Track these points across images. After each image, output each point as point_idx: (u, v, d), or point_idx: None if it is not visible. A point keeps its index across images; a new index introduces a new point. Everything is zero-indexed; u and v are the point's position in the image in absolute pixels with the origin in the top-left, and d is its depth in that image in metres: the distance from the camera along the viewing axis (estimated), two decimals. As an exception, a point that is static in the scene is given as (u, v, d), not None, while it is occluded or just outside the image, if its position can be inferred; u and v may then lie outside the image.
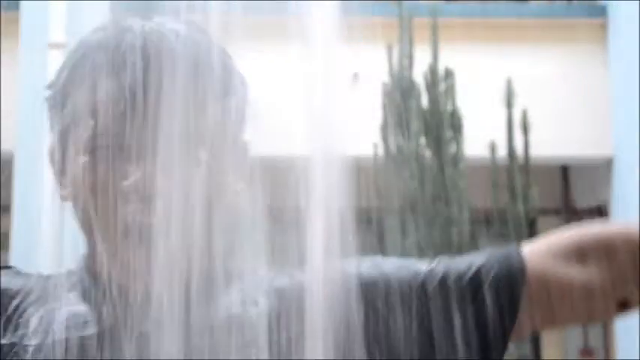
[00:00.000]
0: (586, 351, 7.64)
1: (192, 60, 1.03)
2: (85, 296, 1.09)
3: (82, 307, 1.08)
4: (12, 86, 5.73)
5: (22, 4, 5.93)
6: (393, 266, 1.13)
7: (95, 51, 1.05)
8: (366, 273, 1.12)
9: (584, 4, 6.82)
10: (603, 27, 6.48)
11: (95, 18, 6.03)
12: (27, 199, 5.61)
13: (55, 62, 5.77)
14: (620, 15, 6.33)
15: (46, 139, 1.07)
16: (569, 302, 1.08)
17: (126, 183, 1.00)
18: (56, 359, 1.03)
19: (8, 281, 1.11)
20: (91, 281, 1.09)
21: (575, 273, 1.08)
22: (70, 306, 1.08)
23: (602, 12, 6.51)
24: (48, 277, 1.13)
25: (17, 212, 5.65)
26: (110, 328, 1.05)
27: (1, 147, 5.70)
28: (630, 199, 6.05)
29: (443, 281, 1.08)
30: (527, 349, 7.70)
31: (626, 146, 6.12)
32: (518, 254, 1.09)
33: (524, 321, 1.07)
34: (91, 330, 1.05)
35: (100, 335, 1.05)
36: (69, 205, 1.10)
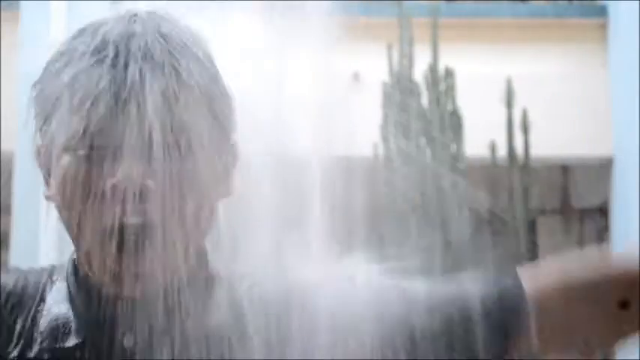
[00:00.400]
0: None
1: (173, 57, 1.03)
2: (70, 300, 1.08)
3: (65, 313, 1.07)
4: (12, 86, 5.73)
5: (22, 4, 5.92)
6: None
7: (77, 49, 1.04)
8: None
9: (584, 4, 6.82)
10: (603, 27, 6.48)
11: (95, 18, 6.03)
12: (27, 199, 5.61)
13: (55, 62, 5.77)
14: (620, 15, 6.33)
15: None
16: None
17: (109, 183, 0.99)
18: None
19: None
20: (75, 285, 1.08)
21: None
22: (53, 310, 1.07)
23: (602, 12, 6.51)
24: (28, 274, 1.12)
25: (17, 212, 5.65)
26: (92, 337, 1.04)
27: (1, 147, 5.69)
28: (630, 199, 6.05)
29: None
30: (527, 349, 7.70)
31: (626, 146, 6.12)
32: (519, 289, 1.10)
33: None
34: (73, 341, 1.04)
35: (82, 346, 1.04)
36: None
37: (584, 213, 7.80)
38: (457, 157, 4.92)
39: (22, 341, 1.05)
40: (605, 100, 6.30)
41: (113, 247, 0.99)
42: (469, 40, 6.29)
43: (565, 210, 7.90)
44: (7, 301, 1.08)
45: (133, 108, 1.00)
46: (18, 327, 1.06)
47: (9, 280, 1.10)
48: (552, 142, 6.10)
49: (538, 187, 5.08)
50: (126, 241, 0.99)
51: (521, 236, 4.99)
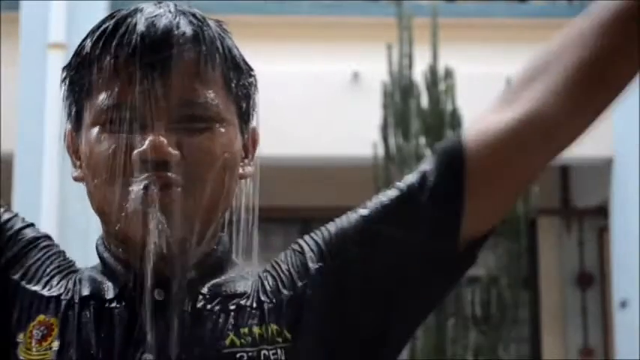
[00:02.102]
0: (586, 351, 7.64)
1: (199, 34, 1.08)
2: (104, 272, 1.14)
3: (100, 280, 1.13)
4: (12, 86, 5.73)
5: (22, 4, 5.93)
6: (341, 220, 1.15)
7: (106, 30, 1.09)
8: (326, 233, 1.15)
9: (584, 4, 6.81)
10: (603, 27, 6.48)
11: (95, 18, 6.03)
12: (27, 199, 5.62)
13: (55, 62, 5.76)
14: (620, 15, 6.32)
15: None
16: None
17: (134, 153, 1.04)
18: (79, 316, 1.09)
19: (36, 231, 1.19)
20: (108, 255, 1.14)
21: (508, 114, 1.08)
22: (87, 278, 1.14)
23: (602, 12, 6.50)
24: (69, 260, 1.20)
25: (17, 212, 5.65)
26: (126, 292, 1.10)
27: (1, 147, 5.70)
28: (630, 199, 6.05)
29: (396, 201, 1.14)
30: (527, 349, 7.70)
31: (626, 146, 6.12)
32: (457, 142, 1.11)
33: (475, 197, 1.09)
34: (110, 294, 1.10)
35: (118, 298, 1.10)
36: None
37: (584, 213, 7.80)
38: (457, 157, 4.92)
39: (65, 290, 1.12)
40: (605, 100, 6.29)
41: (140, 215, 1.04)
42: (469, 40, 6.29)
43: (565, 210, 7.90)
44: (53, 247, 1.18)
45: (159, 81, 1.06)
46: (59, 278, 1.14)
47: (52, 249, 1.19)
48: (552, 142, 6.10)
49: (538, 187, 5.08)
50: (151, 209, 1.04)
51: (522, 236, 4.98)
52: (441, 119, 4.96)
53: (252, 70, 1.15)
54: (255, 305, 1.10)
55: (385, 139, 5.11)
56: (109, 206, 1.07)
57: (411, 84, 5.10)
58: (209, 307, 1.09)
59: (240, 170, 1.13)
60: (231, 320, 1.08)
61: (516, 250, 4.96)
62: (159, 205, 1.03)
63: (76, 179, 1.15)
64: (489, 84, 5.55)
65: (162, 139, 1.04)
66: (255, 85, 1.16)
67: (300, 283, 1.11)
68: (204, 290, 1.10)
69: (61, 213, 5.57)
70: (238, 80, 1.12)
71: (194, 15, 1.09)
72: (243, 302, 1.10)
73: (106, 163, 1.06)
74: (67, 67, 1.13)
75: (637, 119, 5.96)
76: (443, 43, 5.20)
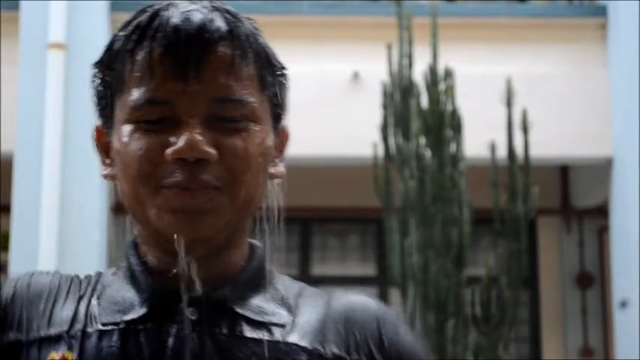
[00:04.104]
0: (586, 351, 7.64)
1: (232, 35, 1.05)
2: (131, 279, 1.09)
3: (126, 292, 1.08)
4: (12, 86, 5.74)
5: (22, 4, 5.93)
6: None
7: (139, 26, 1.06)
8: None
9: (584, 4, 6.82)
10: (603, 27, 6.48)
11: (95, 18, 6.04)
12: (27, 199, 5.62)
13: (55, 62, 5.77)
14: (620, 15, 6.33)
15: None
16: None
17: (168, 151, 1.01)
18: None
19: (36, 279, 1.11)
20: (138, 262, 1.09)
21: None
22: (111, 292, 1.09)
23: (602, 12, 6.51)
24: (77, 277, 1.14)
25: (17, 212, 5.66)
26: (156, 309, 1.05)
27: (1, 147, 5.70)
28: (630, 199, 6.05)
29: None
30: (527, 349, 7.70)
31: (626, 146, 6.12)
32: None
33: None
34: (136, 313, 1.05)
35: (146, 317, 1.05)
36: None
37: (584, 213, 7.80)
38: (457, 157, 4.92)
39: (77, 320, 1.06)
40: (606, 100, 6.30)
41: (174, 213, 1.01)
42: (469, 40, 6.29)
43: (565, 210, 7.90)
44: (46, 291, 1.09)
45: (194, 78, 1.03)
46: (67, 311, 1.07)
47: (43, 277, 1.11)
48: (552, 142, 6.11)
49: (538, 187, 5.08)
50: (186, 206, 1.01)
51: (522, 236, 4.98)
52: (441, 119, 4.96)
53: (284, 67, 1.13)
54: (302, 345, 1.05)
55: (385, 139, 5.11)
56: (142, 206, 1.03)
57: (410, 84, 5.10)
58: (247, 332, 1.05)
59: (272, 170, 1.11)
60: (271, 352, 1.04)
61: (516, 250, 4.95)
62: (193, 205, 1.01)
63: (105, 177, 1.11)
64: (489, 84, 5.58)
65: (198, 136, 1.01)
66: (287, 83, 1.13)
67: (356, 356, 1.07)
68: (241, 311, 1.06)
69: (61, 213, 5.57)
70: (272, 78, 1.10)
71: (228, 11, 1.07)
72: (282, 335, 1.06)
73: (140, 161, 1.02)
74: (99, 63, 1.09)
75: (637, 119, 5.96)
76: (443, 43, 5.20)
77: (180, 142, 1.01)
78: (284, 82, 1.12)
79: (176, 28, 1.02)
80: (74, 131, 5.69)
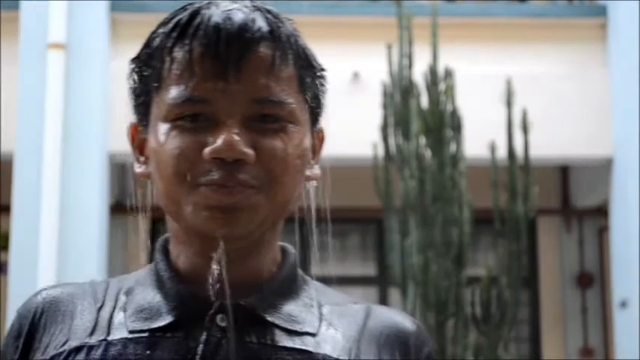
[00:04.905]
0: (586, 351, 7.64)
1: (273, 36, 1.04)
2: (159, 284, 1.07)
3: (152, 298, 1.06)
4: (12, 86, 5.74)
5: (22, 4, 5.93)
6: None
7: (178, 24, 1.05)
8: None
9: (584, 4, 6.82)
10: (603, 27, 6.48)
11: (95, 18, 6.04)
12: (27, 199, 5.62)
13: (55, 62, 5.77)
14: (620, 15, 6.33)
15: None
16: None
17: (206, 150, 1.00)
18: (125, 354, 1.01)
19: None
20: (167, 268, 1.08)
21: None
22: (138, 299, 1.07)
23: (602, 12, 6.51)
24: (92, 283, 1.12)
25: (17, 212, 5.66)
26: (185, 316, 1.03)
27: (1, 147, 5.70)
28: (630, 199, 6.05)
29: None
30: (527, 349, 7.70)
31: (626, 146, 6.12)
32: None
33: None
34: (164, 321, 1.04)
35: (174, 325, 1.03)
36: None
37: (584, 213, 7.80)
38: (457, 157, 4.92)
39: (98, 329, 1.04)
40: (605, 100, 6.30)
41: (211, 210, 1.00)
42: (469, 40, 6.29)
43: (565, 210, 7.90)
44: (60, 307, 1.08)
45: (234, 76, 1.01)
46: (87, 322, 1.05)
47: (58, 291, 1.10)
48: (552, 142, 6.11)
49: (538, 187, 5.08)
50: (222, 203, 1.00)
51: (522, 236, 4.98)
52: (441, 119, 4.96)
53: (323, 69, 1.12)
54: (334, 356, 1.04)
55: (385, 139, 5.11)
56: (177, 204, 1.02)
57: (410, 84, 5.10)
58: (277, 341, 1.03)
59: (307, 172, 1.10)
60: None
61: (516, 250, 4.95)
62: (230, 202, 0.99)
63: (140, 176, 1.09)
64: (489, 84, 5.58)
65: (236, 137, 0.99)
66: (326, 85, 1.13)
67: None
68: (271, 318, 1.05)
69: (61, 213, 5.57)
70: (311, 79, 1.09)
71: (269, 11, 1.05)
72: (313, 344, 1.04)
73: (176, 159, 1.01)
74: (136, 59, 1.08)
75: (637, 119, 5.96)
76: (443, 43, 5.20)
77: (218, 141, 0.99)
78: (323, 83, 1.12)
79: (217, 27, 1.01)
80: (74, 131, 5.69)
